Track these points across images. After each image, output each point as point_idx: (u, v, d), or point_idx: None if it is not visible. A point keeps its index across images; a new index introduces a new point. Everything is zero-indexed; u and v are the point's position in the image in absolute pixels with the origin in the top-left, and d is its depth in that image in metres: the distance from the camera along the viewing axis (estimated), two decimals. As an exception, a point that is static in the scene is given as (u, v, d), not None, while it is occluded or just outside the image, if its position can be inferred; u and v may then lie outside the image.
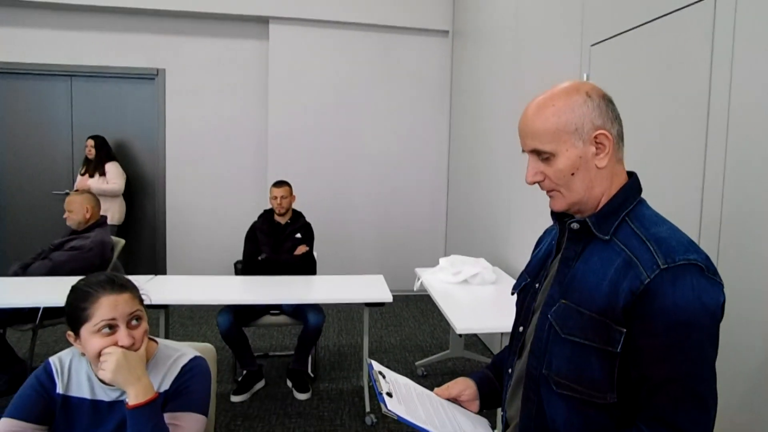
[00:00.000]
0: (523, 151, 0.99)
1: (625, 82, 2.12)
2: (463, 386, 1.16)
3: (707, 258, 0.87)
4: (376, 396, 1.04)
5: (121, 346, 1.18)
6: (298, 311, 3.14)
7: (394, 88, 5.16)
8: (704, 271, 0.85)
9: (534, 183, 0.99)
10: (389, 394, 1.03)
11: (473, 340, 4.03)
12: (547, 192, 0.99)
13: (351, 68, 5.06)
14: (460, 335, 3.48)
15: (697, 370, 0.85)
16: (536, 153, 0.95)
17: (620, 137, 0.96)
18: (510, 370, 1.10)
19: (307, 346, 3.11)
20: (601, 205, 0.95)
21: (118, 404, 1.24)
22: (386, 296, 2.78)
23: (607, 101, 0.95)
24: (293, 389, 3.04)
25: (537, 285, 1.07)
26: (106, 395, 1.25)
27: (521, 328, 1.08)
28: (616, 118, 0.95)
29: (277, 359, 3.57)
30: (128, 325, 1.21)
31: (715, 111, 1.60)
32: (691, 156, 1.70)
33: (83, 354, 1.21)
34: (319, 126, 5.06)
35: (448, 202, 5.35)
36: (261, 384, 3.12)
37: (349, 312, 4.67)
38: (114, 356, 1.16)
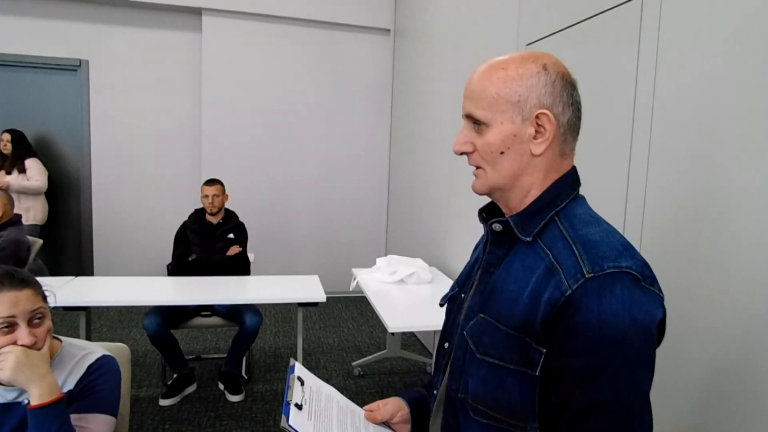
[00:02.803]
0: (463, 116, 0.87)
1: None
2: (395, 409, 1.03)
3: (644, 264, 0.75)
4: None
5: (22, 345, 1.10)
6: (233, 312, 3.06)
7: (335, 86, 5.12)
8: (639, 280, 0.73)
9: (461, 153, 0.86)
10: (298, 406, 0.92)
11: (411, 340, 4.07)
12: (474, 170, 0.87)
13: (289, 65, 4.98)
14: (393, 333, 3.50)
15: (625, 397, 0.72)
16: (471, 119, 0.84)
17: (570, 127, 0.83)
18: (435, 391, 0.98)
19: (241, 348, 3.03)
20: (529, 201, 0.83)
21: (15, 406, 1.16)
22: (320, 296, 2.76)
23: (566, 83, 0.82)
24: (225, 391, 2.96)
25: (463, 295, 0.95)
26: (0, 396, 1.17)
27: (447, 344, 0.96)
28: (572, 105, 0.82)
29: (211, 362, 3.47)
30: (30, 323, 1.14)
31: (639, 106, 1.68)
32: (618, 150, 1.79)
33: (-25, 354, 1.13)
34: (256, 124, 4.95)
35: (389, 203, 5.38)
36: (192, 387, 3.02)
37: (286, 313, 4.60)
38: (13, 355, 1.08)
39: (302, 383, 0.98)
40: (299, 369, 1.01)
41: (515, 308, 0.78)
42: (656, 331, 0.74)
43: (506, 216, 0.87)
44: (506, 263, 0.84)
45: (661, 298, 0.76)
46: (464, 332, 0.86)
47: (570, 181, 0.85)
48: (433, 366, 1.04)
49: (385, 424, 1.02)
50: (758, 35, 1.27)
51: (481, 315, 0.84)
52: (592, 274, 0.72)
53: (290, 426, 0.86)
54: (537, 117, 0.79)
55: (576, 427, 0.74)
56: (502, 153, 0.81)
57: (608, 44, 1.87)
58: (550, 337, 0.74)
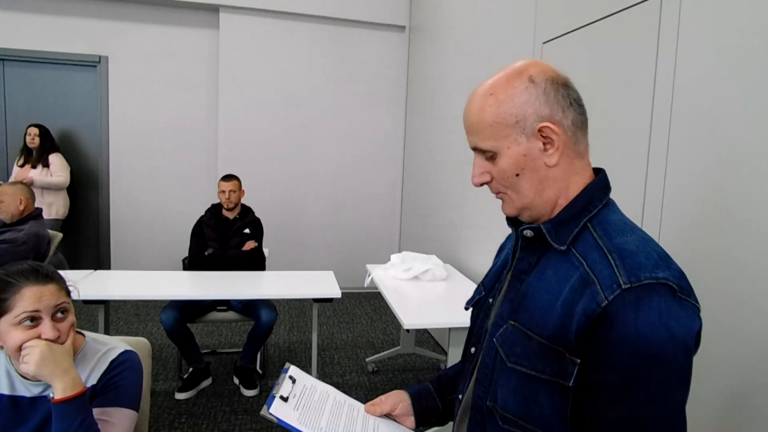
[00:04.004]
0: (471, 148, 0.87)
1: (575, 79, 2.18)
2: (396, 400, 1.03)
3: (681, 275, 0.74)
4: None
5: (46, 340, 1.12)
6: (248, 307, 3.08)
7: (350, 83, 5.12)
8: (676, 291, 0.71)
9: (481, 184, 0.86)
10: (284, 398, 0.91)
11: (425, 337, 4.07)
12: (496, 195, 0.87)
13: (305, 62, 4.99)
14: (408, 330, 3.50)
15: (661, 414, 0.71)
16: (479, 151, 0.84)
17: (578, 126, 0.82)
18: (461, 396, 0.96)
19: (256, 343, 3.05)
20: (558, 210, 0.82)
21: (41, 400, 1.18)
22: (335, 292, 2.77)
23: (557, 85, 0.81)
24: (240, 386, 2.99)
25: (491, 300, 0.94)
26: (27, 391, 1.19)
27: (473, 349, 0.94)
28: (571, 105, 0.81)
29: (226, 356, 3.50)
30: (53, 318, 1.15)
31: (658, 105, 1.66)
32: (636, 149, 1.76)
33: (1, 347, 1.15)
34: (271, 120, 4.97)
35: (403, 199, 5.37)
36: (208, 381, 3.05)
37: (301, 308, 4.62)
38: (38, 348, 1.10)
39: (293, 381, 0.98)
40: (293, 370, 1.02)
41: (548, 317, 0.77)
42: (693, 343, 0.73)
43: (537, 223, 0.86)
44: (538, 270, 0.83)
45: (698, 309, 0.74)
46: (494, 339, 0.85)
47: (602, 185, 0.84)
48: (460, 371, 1.02)
49: (389, 416, 1.02)
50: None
51: (512, 322, 0.82)
52: (629, 285, 0.70)
53: (271, 413, 0.86)
54: (540, 130, 0.79)
55: None
56: (517, 175, 0.81)
57: (627, 43, 1.85)
58: (585, 349, 0.73)
